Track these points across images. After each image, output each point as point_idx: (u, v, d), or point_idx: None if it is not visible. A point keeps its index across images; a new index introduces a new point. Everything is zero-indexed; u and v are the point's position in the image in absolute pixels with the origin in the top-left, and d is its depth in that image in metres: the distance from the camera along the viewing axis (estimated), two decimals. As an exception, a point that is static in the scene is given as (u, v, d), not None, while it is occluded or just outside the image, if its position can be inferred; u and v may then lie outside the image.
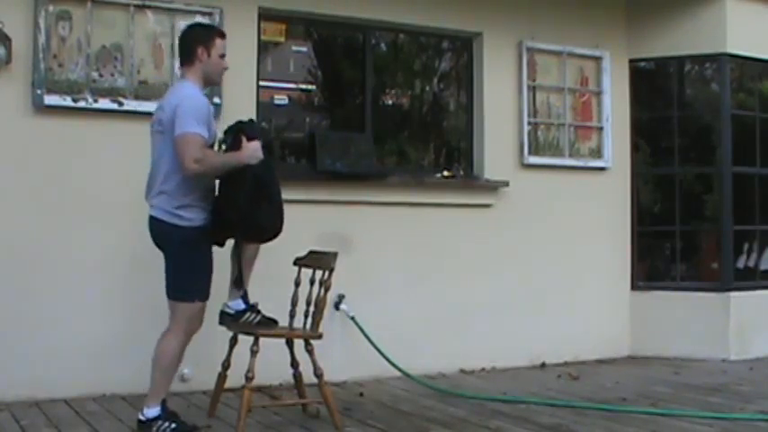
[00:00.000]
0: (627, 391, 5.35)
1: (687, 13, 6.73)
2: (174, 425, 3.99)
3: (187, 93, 3.99)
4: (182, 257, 4.00)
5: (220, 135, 4.16)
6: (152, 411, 4.00)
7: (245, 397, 4.07)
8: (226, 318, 4.27)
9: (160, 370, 4.01)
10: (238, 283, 4.24)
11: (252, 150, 3.99)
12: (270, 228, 4.09)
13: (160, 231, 4.03)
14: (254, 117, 4.27)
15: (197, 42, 4.09)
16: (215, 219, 4.03)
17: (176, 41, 5.19)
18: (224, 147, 4.09)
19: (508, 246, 6.25)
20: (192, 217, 3.98)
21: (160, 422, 3.98)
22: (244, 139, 4.02)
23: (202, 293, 4.04)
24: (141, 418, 4.02)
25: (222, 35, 4.18)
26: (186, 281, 4.00)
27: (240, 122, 4.15)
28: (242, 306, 4.24)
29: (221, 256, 4.22)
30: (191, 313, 4.01)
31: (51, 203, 4.95)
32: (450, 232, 6.06)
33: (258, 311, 4.26)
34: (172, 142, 3.90)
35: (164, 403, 4.03)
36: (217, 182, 4.13)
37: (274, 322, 4.31)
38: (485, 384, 5.58)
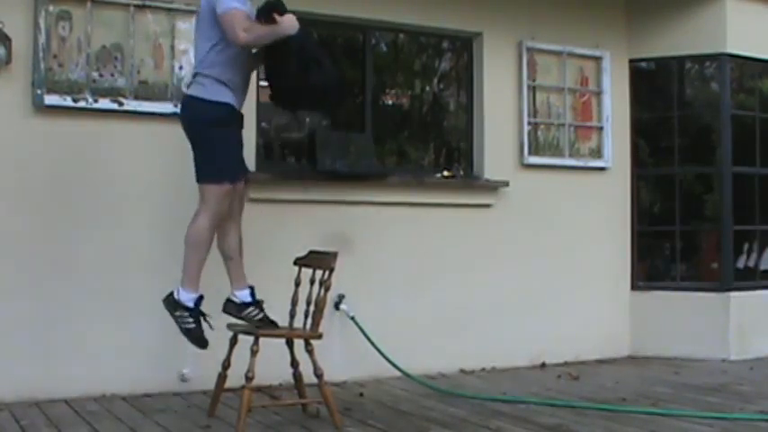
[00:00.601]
0: (627, 391, 5.34)
1: (687, 13, 6.74)
2: (195, 323, 4.10)
3: None
4: (211, 136, 4.12)
5: None
6: (185, 296, 4.10)
7: (245, 397, 4.06)
8: (230, 305, 4.30)
9: (191, 250, 4.11)
10: None
11: (290, 21, 4.11)
12: (328, 87, 4.26)
13: (192, 110, 4.18)
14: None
15: None
16: (275, 94, 4.30)
17: (176, 41, 5.22)
18: None
19: (508, 246, 6.25)
20: (225, 94, 4.13)
21: (187, 314, 4.09)
22: (276, 16, 4.11)
23: (233, 175, 4.17)
24: (174, 294, 4.12)
25: None
26: (216, 161, 4.12)
27: (268, 3, 4.24)
28: (248, 299, 4.28)
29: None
30: (220, 195, 4.11)
31: (51, 204, 4.95)
32: (450, 232, 6.06)
33: (262, 309, 4.29)
34: (208, 25, 4.10)
35: (200, 299, 4.13)
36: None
37: (275, 324, 4.32)
38: (485, 384, 5.58)
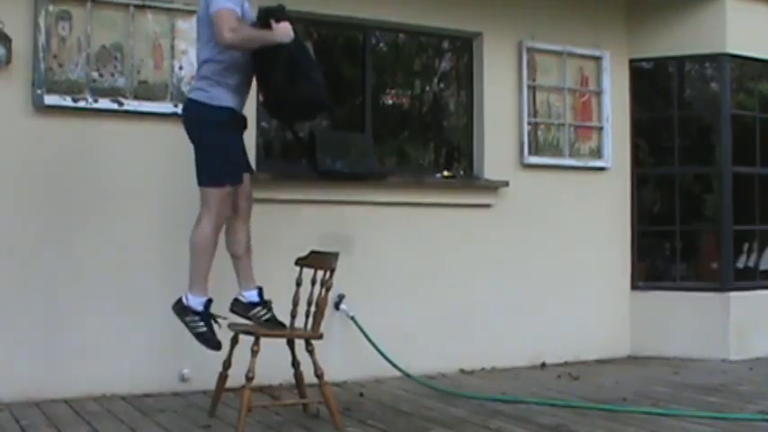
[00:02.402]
0: (627, 391, 5.34)
1: (687, 13, 6.74)
2: (206, 327, 4.11)
3: None
4: (212, 139, 4.13)
5: None
6: (194, 301, 4.11)
7: (245, 397, 4.06)
8: (238, 304, 4.31)
9: (197, 255, 4.12)
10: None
11: (284, 29, 4.10)
12: (310, 101, 4.23)
13: (193, 113, 4.19)
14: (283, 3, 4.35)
15: None
16: (264, 103, 4.26)
17: (176, 41, 5.22)
18: None
19: (508, 246, 6.25)
20: (226, 98, 4.13)
21: (197, 318, 4.10)
22: (273, 23, 4.11)
23: (233, 177, 4.16)
24: (183, 300, 4.12)
25: None
26: (216, 164, 4.12)
27: (268, 8, 4.23)
28: (256, 299, 4.28)
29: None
30: (221, 197, 4.11)
31: (51, 203, 4.95)
32: (450, 232, 6.06)
33: (270, 309, 4.30)
34: (206, 26, 4.09)
35: (209, 302, 4.15)
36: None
37: (282, 326, 4.32)
38: (485, 384, 5.58)
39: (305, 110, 4.33)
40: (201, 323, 4.11)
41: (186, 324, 4.15)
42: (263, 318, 4.26)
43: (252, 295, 4.29)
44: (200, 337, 4.14)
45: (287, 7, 4.23)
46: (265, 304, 4.29)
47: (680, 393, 5.30)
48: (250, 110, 5.35)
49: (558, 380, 5.79)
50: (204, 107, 4.14)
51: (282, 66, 4.11)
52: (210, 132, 4.14)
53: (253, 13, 4.24)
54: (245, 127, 4.35)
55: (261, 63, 4.18)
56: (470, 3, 6.22)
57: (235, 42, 4.01)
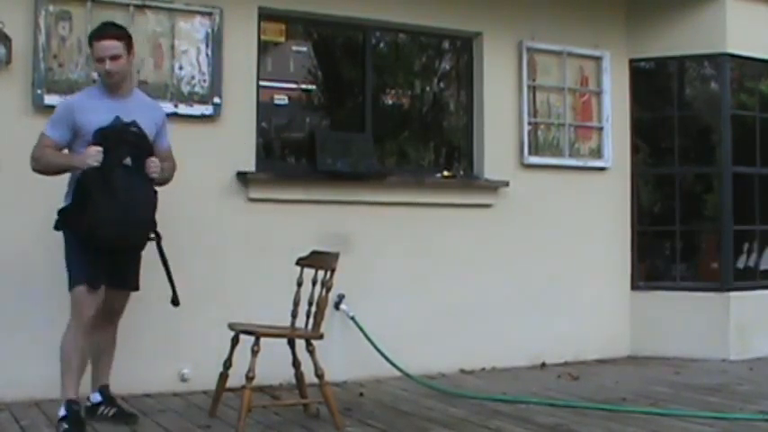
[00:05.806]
0: (627, 391, 5.35)
1: (687, 13, 6.74)
2: (66, 426, 4.00)
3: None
4: (64, 244, 4.13)
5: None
6: (60, 410, 4.05)
7: (245, 397, 4.06)
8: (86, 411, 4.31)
9: (61, 362, 4.10)
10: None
11: (85, 156, 4.01)
12: (98, 236, 4.03)
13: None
14: (137, 120, 4.13)
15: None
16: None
17: (176, 41, 5.22)
18: None
19: (508, 246, 6.25)
20: (66, 202, 4.13)
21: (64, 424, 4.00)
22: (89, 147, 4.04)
23: (80, 278, 4.06)
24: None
25: (99, 38, 4.13)
26: (68, 267, 4.11)
27: (102, 129, 4.06)
28: (98, 398, 4.33)
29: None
30: (76, 299, 4.06)
31: (51, 203, 4.92)
32: (450, 232, 6.06)
33: (116, 405, 4.32)
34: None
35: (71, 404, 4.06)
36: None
37: (133, 417, 4.31)
38: (485, 384, 5.58)
39: (99, 239, 4.05)
40: (65, 426, 4.00)
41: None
42: (109, 414, 4.26)
43: (95, 397, 4.34)
44: None
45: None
46: (110, 401, 4.31)
47: (680, 393, 5.30)
48: (250, 109, 5.37)
49: (558, 380, 5.79)
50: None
51: (73, 192, 4.10)
52: (63, 237, 4.15)
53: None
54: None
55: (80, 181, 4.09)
56: (470, 3, 6.22)
57: (35, 169, 4.11)
